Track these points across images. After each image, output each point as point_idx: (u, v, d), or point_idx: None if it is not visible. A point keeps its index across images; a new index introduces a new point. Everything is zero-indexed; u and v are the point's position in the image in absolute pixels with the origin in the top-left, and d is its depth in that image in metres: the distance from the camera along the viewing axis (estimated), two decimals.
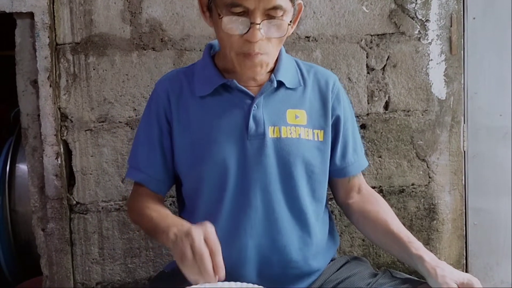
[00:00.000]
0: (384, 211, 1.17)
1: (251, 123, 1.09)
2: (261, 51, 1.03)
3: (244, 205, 1.09)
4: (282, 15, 1.02)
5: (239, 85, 1.11)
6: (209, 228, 0.94)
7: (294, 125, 1.12)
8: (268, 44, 1.04)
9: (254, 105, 1.10)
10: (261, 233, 1.09)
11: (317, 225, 1.15)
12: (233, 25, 1.01)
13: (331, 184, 1.25)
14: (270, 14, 1.01)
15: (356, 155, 1.22)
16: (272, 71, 1.14)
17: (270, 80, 1.12)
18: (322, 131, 1.15)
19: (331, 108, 1.17)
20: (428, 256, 1.04)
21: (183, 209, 1.22)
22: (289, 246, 1.10)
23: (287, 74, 1.15)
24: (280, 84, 1.14)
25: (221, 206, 1.10)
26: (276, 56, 1.12)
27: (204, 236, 0.92)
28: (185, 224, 0.98)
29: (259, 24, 1.00)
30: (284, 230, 1.10)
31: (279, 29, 1.03)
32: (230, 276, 1.04)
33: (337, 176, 1.22)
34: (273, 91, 1.13)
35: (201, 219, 1.10)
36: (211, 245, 0.91)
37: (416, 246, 1.07)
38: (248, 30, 1.00)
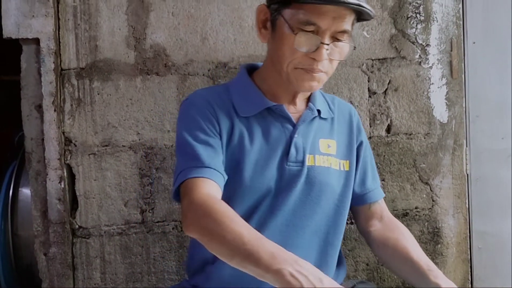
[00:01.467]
0: (405, 238, 1.17)
1: (292, 149, 1.12)
2: (323, 69, 1.06)
3: (269, 226, 1.09)
4: (346, 39, 1.06)
5: (285, 111, 1.14)
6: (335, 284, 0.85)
7: (326, 154, 1.15)
8: (328, 64, 1.07)
9: (296, 132, 1.13)
10: None
11: (334, 254, 1.15)
12: (304, 42, 1.03)
13: (353, 212, 1.27)
14: (336, 37, 1.05)
15: (375, 183, 1.26)
16: (308, 100, 1.18)
17: (309, 108, 1.16)
18: (348, 161, 1.19)
19: (355, 138, 1.22)
20: (446, 284, 1.04)
21: None
22: None
23: (321, 104, 1.20)
24: (318, 113, 1.17)
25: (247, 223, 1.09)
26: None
27: None
28: (303, 264, 0.86)
29: (328, 44, 1.04)
30: (302, 255, 1.10)
31: (342, 51, 1.07)
32: None
33: (357, 203, 1.24)
34: (311, 120, 1.16)
35: None
36: None
37: (435, 274, 1.06)
38: (316, 49, 1.03)
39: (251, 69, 1.23)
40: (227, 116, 1.13)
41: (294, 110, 1.16)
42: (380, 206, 1.25)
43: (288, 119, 1.14)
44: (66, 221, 1.54)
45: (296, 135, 1.13)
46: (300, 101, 1.18)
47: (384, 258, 1.21)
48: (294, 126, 1.14)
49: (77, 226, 1.56)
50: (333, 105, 1.23)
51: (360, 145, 1.23)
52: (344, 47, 1.07)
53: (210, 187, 1.01)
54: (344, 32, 1.05)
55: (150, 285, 1.58)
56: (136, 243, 1.57)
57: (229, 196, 1.10)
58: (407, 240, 1.17)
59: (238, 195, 1.10)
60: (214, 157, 1.06)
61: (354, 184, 1.21)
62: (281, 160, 1.11)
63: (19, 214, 2.04)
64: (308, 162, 1.12)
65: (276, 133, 1.13)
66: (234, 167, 1.10)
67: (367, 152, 1.26)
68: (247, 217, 1.09)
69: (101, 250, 1.57)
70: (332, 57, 1.06)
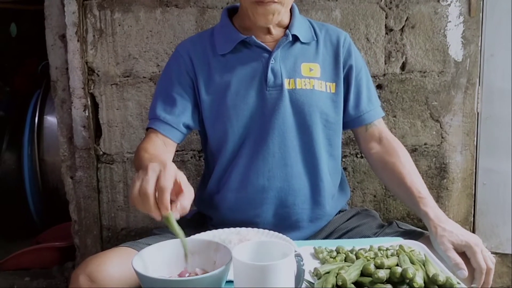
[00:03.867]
0: (401, 163, 1.20)
1: (270, 74, 1.17)
2: None
3: (262, 151, 1.17)
4: None
5: (257, 41, 1.18)
6: (168, 166, 0.84)
7: (308, 77, 1.19)
8: None
9: (272, 58, 1.18)
10: (278, 177, 1.17)
11: (329, 173, 1.22)
12: None
13: (354, 135, 1.32)
14: None
15: (371, 104, 1.27)
16: (287, 27, 1.21)
17: (285, 35, 1.19)
18: (334, 83, 1.22)
19: (342, 62, 1.24)
20: (433, 213, 1.07)
21: (207, 162, 1.30)
22: (302, 189, 1.18)
23: (301, 29, 1.22)
24: (295, 39, 1.21)
25: (242, 151, 1.18)
26: (289, 7, 1.19)
27: (158, 174, 0.83)
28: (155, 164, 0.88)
29: None
30: (298, 174, 1.18)
31: None
32: (248, 214, 1.15)
33: (353, 125, 1.28)
34: (289, 46, 1.20)
35: (224, 165, 1.19)
36: (159, 184, 0.81)
37: (425, 202, 1.10)
38: None
39: (234, 10, 1.27)
40: (205, 60, 1.20)
41: (271, 39, 1.21)
42: (378, 128, 1.27)
43: (263, 48, 1.19)
44: (91, 147, 1.63)
45: (272, 61, 1.18)
46: (277, 30, 1.21)
47: (384, 180, 1.27)
48: (270, 53, 1.19)
49: (101, 152, 1.65)
50: (320, 31, 1.25)
51: (350, 68, 1.24)
52: None
53: (152, 136, 1.18)
54: None
55: None
56: None
57: (222, 128, 1.18)
58: (403, 166, 1.20)
59: (227, 125, 1.17)
60: (168, 109, 1.19)
61: (348, 106, 1.25)
62: (261, 87, 1.17)
63: (45, 141, 2.15)
64: (288, 86, 1.17)
65: (254, 62, 1.19)
66: (219, 102, 1.18)
67: (361, 75, 1.26)
68: (240, 145, 1.18)
69: (124, 175, 1.66)
70: None
